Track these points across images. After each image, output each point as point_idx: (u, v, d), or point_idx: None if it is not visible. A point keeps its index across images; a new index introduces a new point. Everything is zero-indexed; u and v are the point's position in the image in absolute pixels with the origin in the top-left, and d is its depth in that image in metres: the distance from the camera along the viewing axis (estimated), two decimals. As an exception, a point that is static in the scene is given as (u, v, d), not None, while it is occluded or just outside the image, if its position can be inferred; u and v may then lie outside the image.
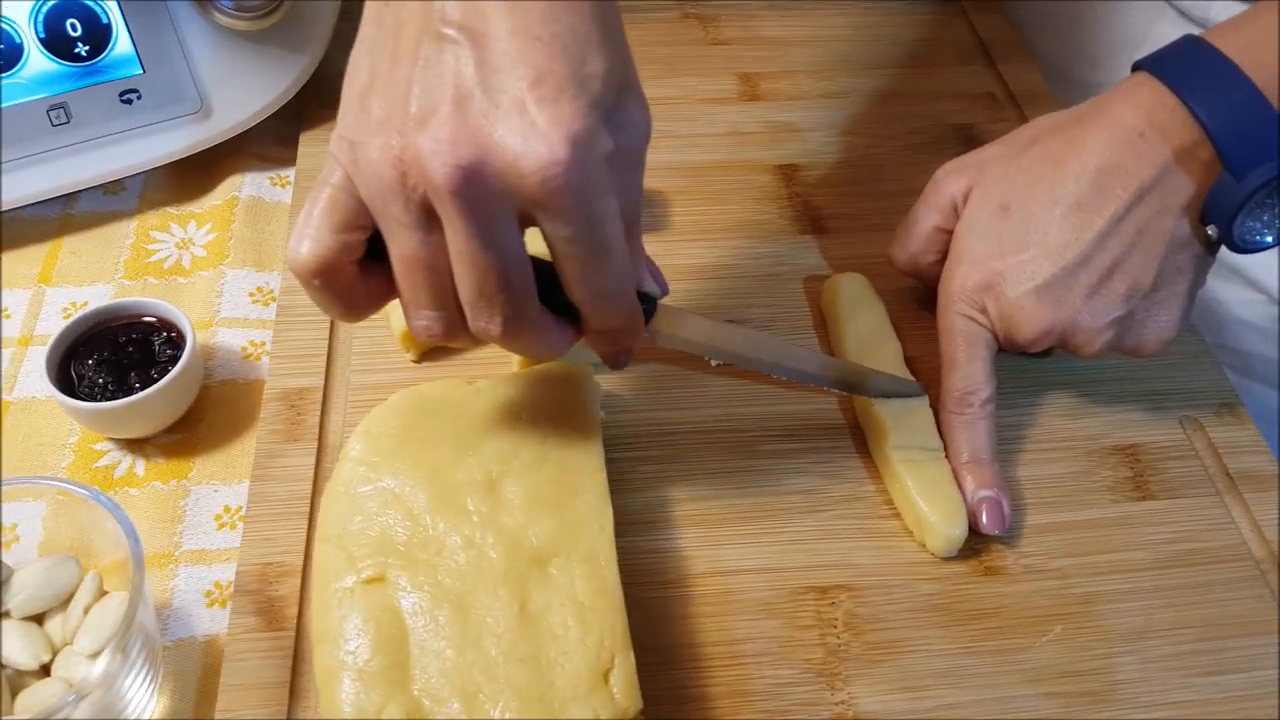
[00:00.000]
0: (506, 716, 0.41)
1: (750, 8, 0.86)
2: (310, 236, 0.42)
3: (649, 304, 0.48)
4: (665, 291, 0.50)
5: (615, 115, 0.39)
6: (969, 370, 0.57)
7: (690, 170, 0.73)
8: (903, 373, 0.59)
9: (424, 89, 0.37)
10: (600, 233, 0.39)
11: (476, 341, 0.44)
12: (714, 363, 0.60)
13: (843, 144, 0.75)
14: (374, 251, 0.43)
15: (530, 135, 0.36)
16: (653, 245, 0.66)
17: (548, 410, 0.52)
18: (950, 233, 0.59)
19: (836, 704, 0.48)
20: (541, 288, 0.42)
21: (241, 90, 0.69)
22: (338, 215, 0.41)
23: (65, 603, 0.47)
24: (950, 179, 0.60)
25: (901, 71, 0.81)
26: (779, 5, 0.86)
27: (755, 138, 0.76)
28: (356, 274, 0.43)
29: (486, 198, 0.37)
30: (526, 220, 0.40)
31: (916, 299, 0.65)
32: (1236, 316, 0.77)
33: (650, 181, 0.70)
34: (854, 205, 0.71)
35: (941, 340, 0.58)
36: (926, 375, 0.60)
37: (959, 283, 0.57)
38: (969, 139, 0.76)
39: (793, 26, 0.85)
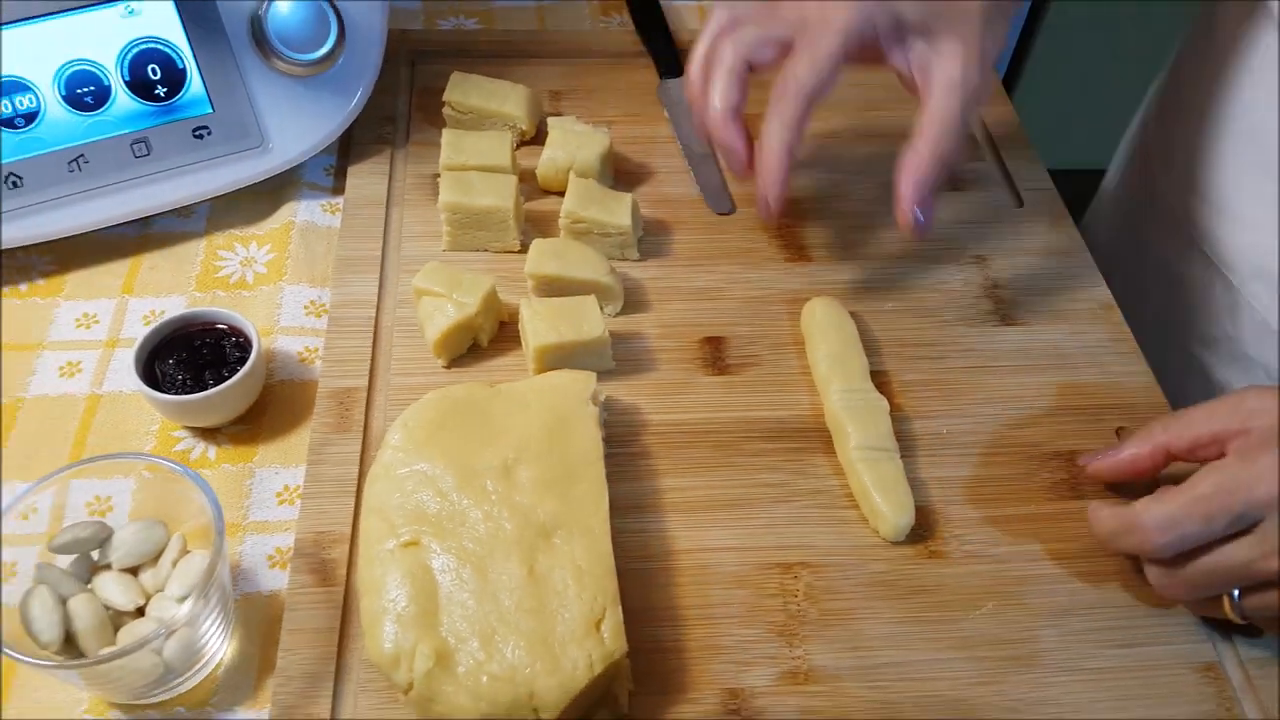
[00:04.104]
0: (517, 653, 0.51)
1: (753, 55, 0.95)
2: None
3: None
4: None
5: None
6: None
7: (691, 203, 0.82)
8: (868, 385, 0.67)
9: None
10: None
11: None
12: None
13: (830, 180, 0.84)
14: None
15: None
16: (655, 269, 0.77)
17: (556, 409, 0.61)
18: None
19: (794, 658, 0.57)
20: None
21: (297, 127, 0.79)
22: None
23: (155, 559, 0.56)
24: None
25: (888, 114, 0.90)
26: (780, 53, 0.95)
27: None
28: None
29: None
30: None
31: (887, 322, 0.74)
32: None
33: (657, 213, 0.80)
34: (836, 236, 0.80)
35: None
36: (891, 387, 0.69)
37: None
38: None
39: (790, 73, 0.94)
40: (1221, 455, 0.55)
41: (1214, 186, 0.80)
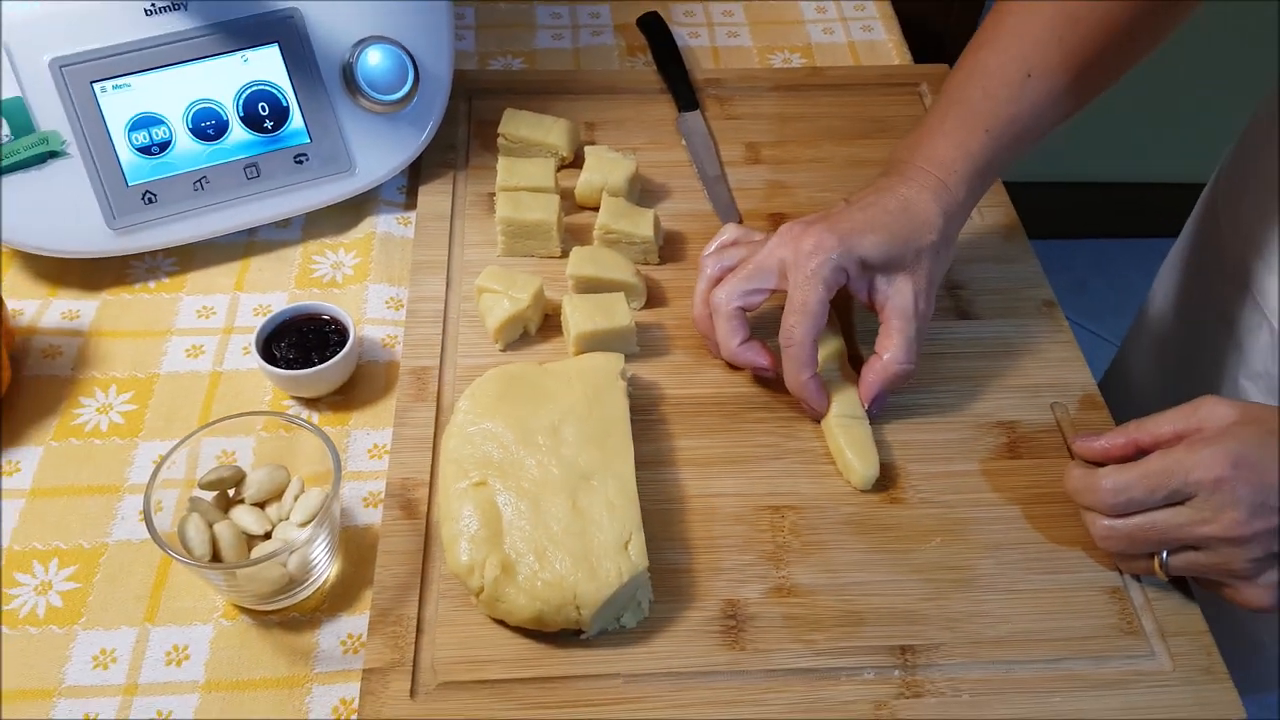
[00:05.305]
0: (563, 565, 0.66)
1: (758, 89, 1.10)
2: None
3: None
4: None
5: None
6: None
7: (703, 217, 0.97)
8: (845, 366, 0.83)
9: None
10: None
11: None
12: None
13: (821, 199, 0.99)
14: None
15: None
16: (673, 272, 0.92)
17: (592, 383, 0.77)
18: None
19: (780, 578, 0.72)
20: None
21: (379, 155, 0.95)
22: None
23: (278, 495, 0.72)
24: None
25: (869, 141, 1.05)
26: (781, 88, 1.10)
27: (755, 192, 1.00)
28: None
29: None
30: None
31: (861, 315, 0.89)
32: None
33: (675, 225, 0.96)
34: (825, 245, 0.94)
35: None
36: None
37: None
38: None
39: (789, 105, 1.08)
40: None
41: (1273, 251, 0.90)
